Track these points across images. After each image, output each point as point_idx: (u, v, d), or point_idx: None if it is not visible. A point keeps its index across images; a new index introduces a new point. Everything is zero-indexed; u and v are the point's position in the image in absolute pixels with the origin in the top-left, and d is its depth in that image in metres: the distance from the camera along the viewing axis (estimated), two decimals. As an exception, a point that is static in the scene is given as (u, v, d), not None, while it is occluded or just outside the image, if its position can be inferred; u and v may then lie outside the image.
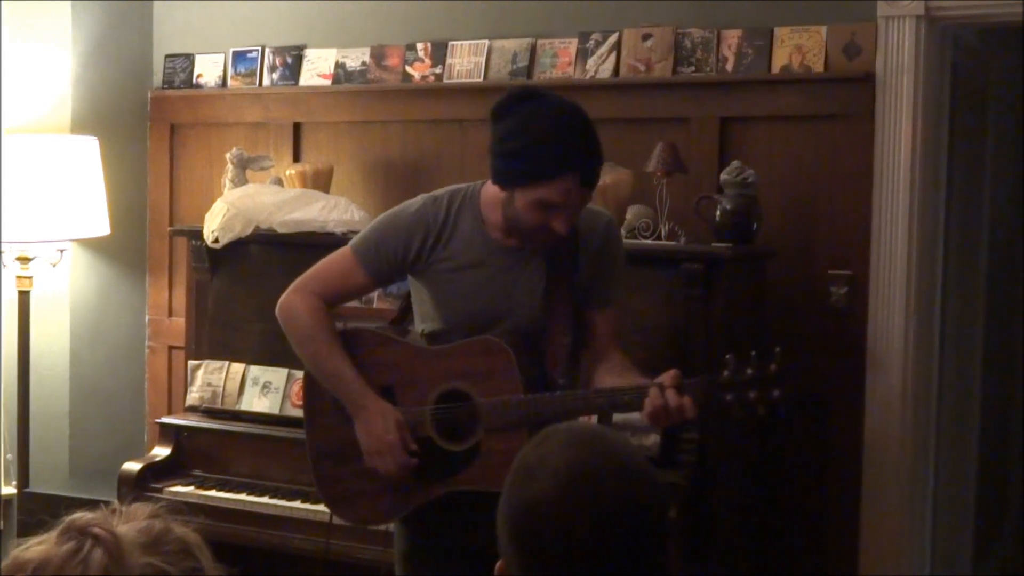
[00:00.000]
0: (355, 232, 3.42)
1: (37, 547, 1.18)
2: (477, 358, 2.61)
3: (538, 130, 2.49)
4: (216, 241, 3.83)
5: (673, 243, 3.43)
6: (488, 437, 2.59)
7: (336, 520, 2.87)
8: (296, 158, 4.33)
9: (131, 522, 1.22)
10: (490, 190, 2.63)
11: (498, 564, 1.45)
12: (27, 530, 3.22)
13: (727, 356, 2.46)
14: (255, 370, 3.82)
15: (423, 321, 2.75)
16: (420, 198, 2.73)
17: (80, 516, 1.19)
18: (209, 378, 3.87)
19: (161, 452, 3.83)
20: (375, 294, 3.69)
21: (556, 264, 2.64)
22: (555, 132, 2.49)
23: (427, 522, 2.72)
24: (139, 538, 1.19)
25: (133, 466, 3.76)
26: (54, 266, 4.24)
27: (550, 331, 2.61)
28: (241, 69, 4.48)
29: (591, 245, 2.66)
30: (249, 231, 3.84)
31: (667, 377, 2.45)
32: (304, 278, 2.75)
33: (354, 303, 3.65)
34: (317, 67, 4.35)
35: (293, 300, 2.72)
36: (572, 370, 2.59)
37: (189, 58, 4.56)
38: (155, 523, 1.22)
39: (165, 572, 1.18)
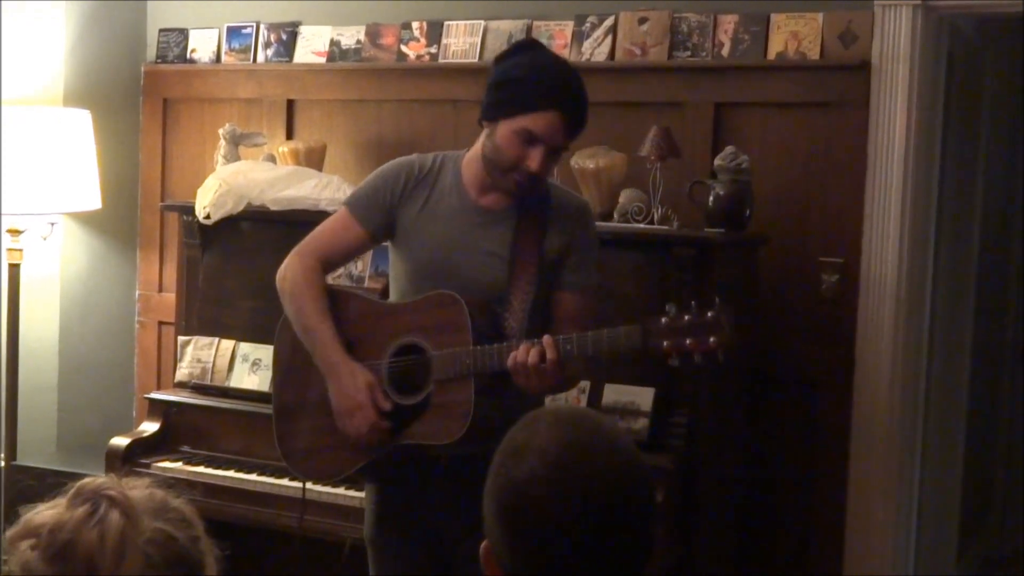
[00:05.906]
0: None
1: (48, 511, 1.17)
2: (432, 311, 2.65)
3: (536, 66, 2.62)
4: (208, 217, 3.82)
5: (666, 228, 3.43)
6: (438, 390, 2.61)
7: (309, 487, 2.94)
8: (289, 135, 4.32)
9: (133, 490, 1.23)
10: (473, 151, 2.71)
11: (483, 545, 1.45)
12: (14, 506, 3.21)
13: (667, 305, 2.48)
14: (245, 347, 3.82)
15: (395, 293, 2.80)
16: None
17: (90, 480, 1.19)
18: (199, 354, 3.87)
19: (150, 428, 3.83)
20: (366, 274, 3.70)
21: (524, 229, 2.66)
22: (550, 69, 2.64)
23: (390, 504, 2.77)
24: (147, 503, 1.20)
25: (121, 441, 3.76)
26: (45, 239, 4.22)
27: (510, 295, 2.63)
28: (235, 45, 4.46)
29: (562, 222, 2.69)
30: (241, 208, 3.83)
31: (545, 339, 2.50)
32: (305, 240, 2.82)
33: (345, 283, 3.67)
34: (312, 44, 4.33)
35: (292, 261, 2.79)
36: (529, 336, 2.57)
37: (183, 33, 4.54)
38: (156, 492, 1.24)
39: (173, 536, 1.18)
